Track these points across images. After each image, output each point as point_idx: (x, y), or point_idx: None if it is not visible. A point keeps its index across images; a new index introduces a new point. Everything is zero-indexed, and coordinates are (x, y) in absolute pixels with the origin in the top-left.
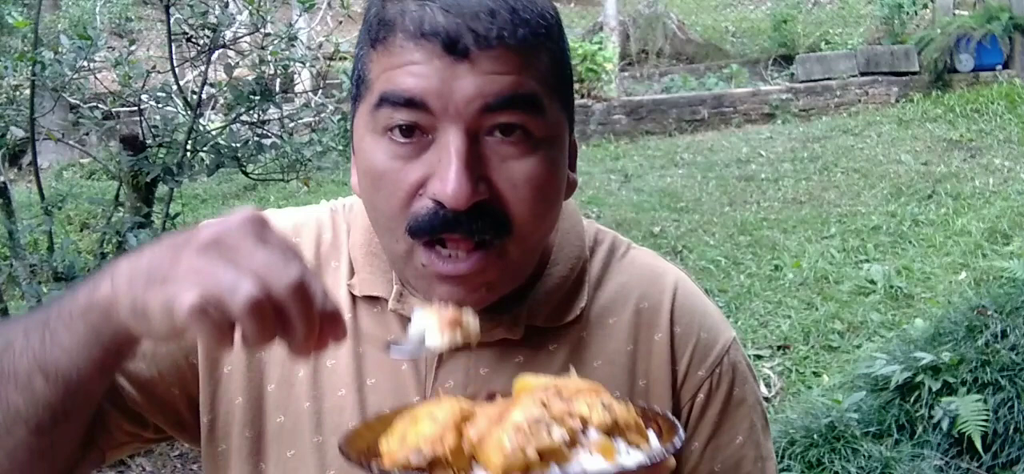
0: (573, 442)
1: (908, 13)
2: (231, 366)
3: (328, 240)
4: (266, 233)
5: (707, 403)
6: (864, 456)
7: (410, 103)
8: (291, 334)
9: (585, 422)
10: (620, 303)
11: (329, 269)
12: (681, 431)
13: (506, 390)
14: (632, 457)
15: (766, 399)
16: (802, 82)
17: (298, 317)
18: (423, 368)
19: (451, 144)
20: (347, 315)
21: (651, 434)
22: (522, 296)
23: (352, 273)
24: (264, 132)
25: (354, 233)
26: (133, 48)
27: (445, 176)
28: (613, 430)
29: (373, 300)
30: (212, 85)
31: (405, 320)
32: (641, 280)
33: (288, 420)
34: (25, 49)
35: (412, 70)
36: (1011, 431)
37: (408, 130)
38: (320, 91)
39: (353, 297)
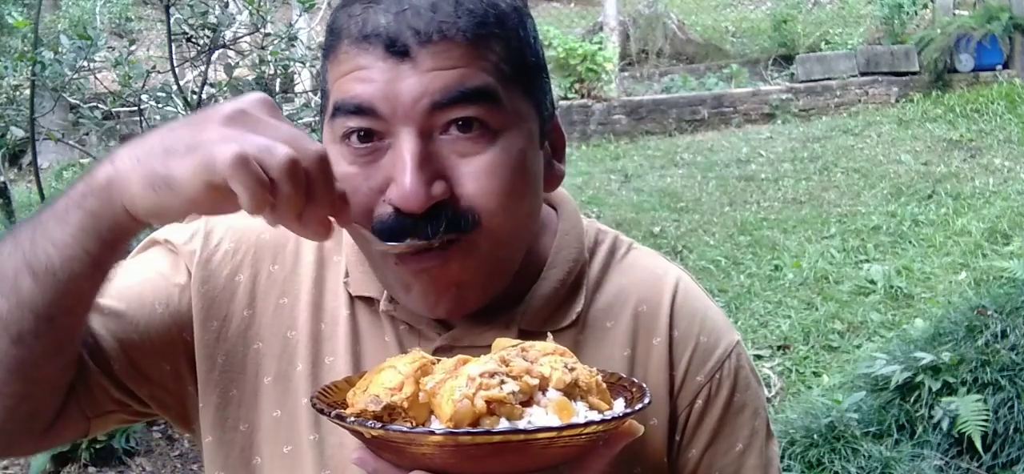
0: (530, 401)
1: (908, 13)
2: (225, 356)
3: (296, 239)
4: (279, 114)
5: (706, 409)
6: (864, 456)
7: (359, 110)
8: (317, 203)
9: (545, 382)
10: (618, 307)
11: (331, 264)
12: (647, 396)
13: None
14: (586, 417)
15: (767, 399)
16: (802, 82)
17: (323, 187)
18: None
19: (404, 147)
20: (345, 313)
21: (620, 402)
22: (517, 299)
23: (348, 273)
24: None
25: (347, 233)
26: (133, 48)
27: (400, 180)
28: (573, 392)
29: (367, 300)
30: (212, 85)
31: (396, 322)
32: (640, 283)
33: (284, 415)
34: (25, 49)
35: (358, 76)
36: (1011, 431)
37: (365, 136)
38: (320, 91)
39: (350, 296)
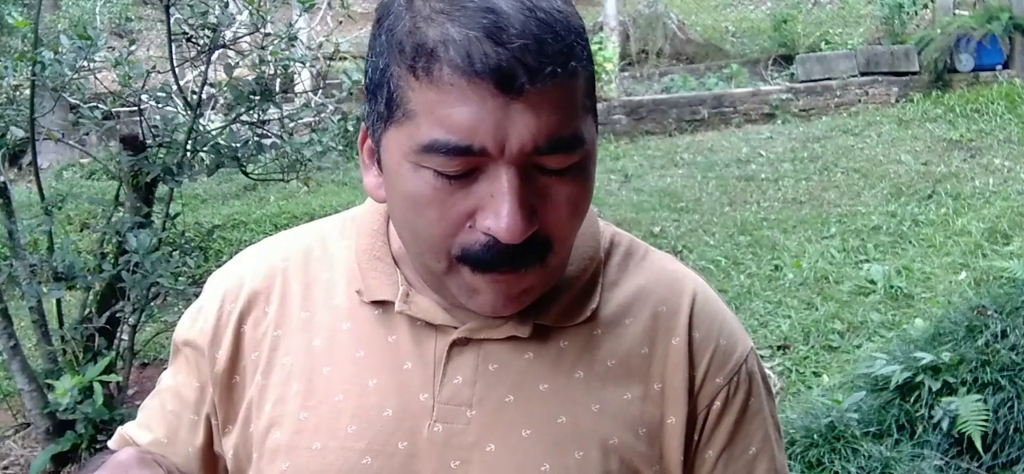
0: None
1: (908, 13)
2: (241, 407)
3: (317, 256)
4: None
5: (723, 411)
6: (864, 456)
7: (467, 150)
8: None
9: None
10: (638, 305)
11: (318, 282)
12: None
13: (514, 386)
14: None
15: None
16: (802, 82)
17: None
18: (431, 364)
19: (504, 180)
20: (345, 325)
21: None
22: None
23: (354, 280)
24: (264, 132)
25: (361, 239)
26: (133, 48)
27: (499, 212)
28: None
29: (379, 303)
30: (212, 85)
31: (413, 321)
32: (659, 284)
33: (284, 435)
34: (25, 49)
35: (465, 113)
36: (1011, 431)
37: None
38: (320, 91)
39: (345, 307)
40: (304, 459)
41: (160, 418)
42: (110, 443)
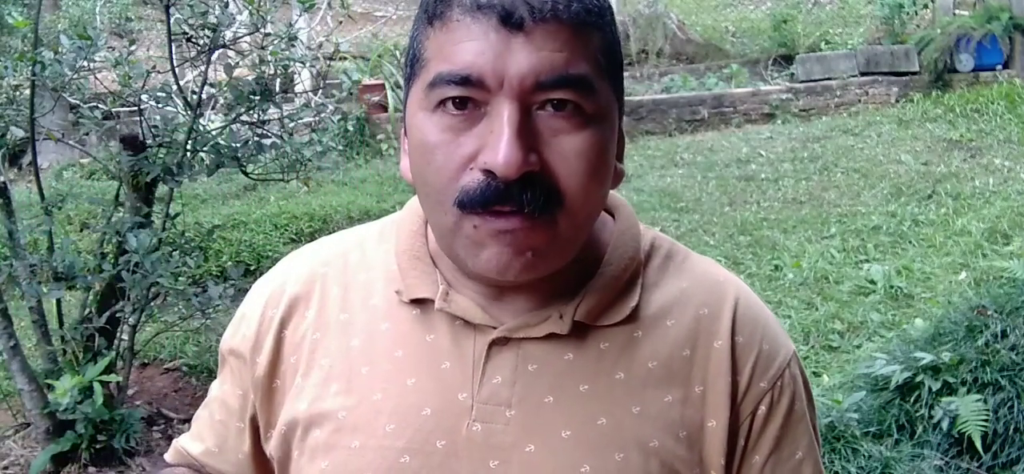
0: None
1: (908, 13)
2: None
3: (355, 260)
4: None
5: (769, 416)
6: (864, 456)
7: (466, 80)
8: None
9: None
10: (679, 307)
11: (356, 285)
12: None
13: (554, 386)
14: None
15: None
16: (802, 82)
17: None
18: (470, 363)
19: (504, 114)
20: (384, 325)
21: None
22: (572, 293)
23: (393, 281)
24: (264, 132)
25: (400, 240)
26: (133, 48)
27: (496, 146)
28: None
29: (418, 302)
30: (212, 85)
31: (452, 319)
32: (701, 287)
33: (323, 434)
34: (25, 49)
35: (468, 47)
36: (1011, 431)
37: (461, 103)
38: (320, 91)
39: (388, 305)
40: (343, 457)
41: (209, 428)
42: (166, 456)
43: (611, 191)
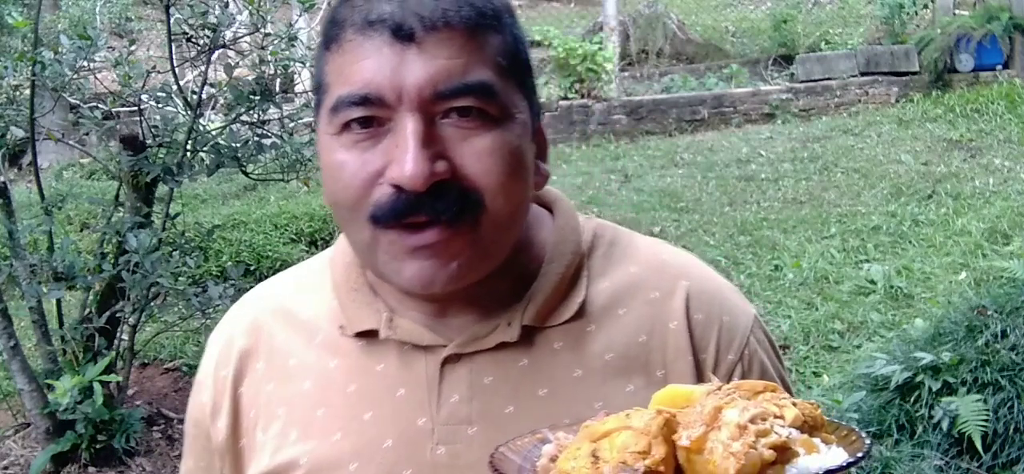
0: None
1: (908, 13)
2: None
3: (295, 303)
4: None
5: None
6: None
7: (365, 100)
8: None
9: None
10: (630, 295)
11: (300, 328)
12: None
13: (512, 396)
14: (839, 454)
15: None
16: (802, 82)
17: None
18: (424, 387)
19: (407, 128)
20: (332, 363)
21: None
22: (517, 297)
23: (335, 317)
24: (264, 132)
25: (336, 274)
26: (133, 48)
27: (401, 159)
28: (804, 427)
29: (363, 335)
30: (212, 85)
31: (400, 345)
32: (650, 270)
33: None
34: (25, 49)
35: (364, 66)
36: (1011, 431)
37: (365, 122)
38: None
39: (334, 341)
40: None
41: None
42: None
43: (548, 187)
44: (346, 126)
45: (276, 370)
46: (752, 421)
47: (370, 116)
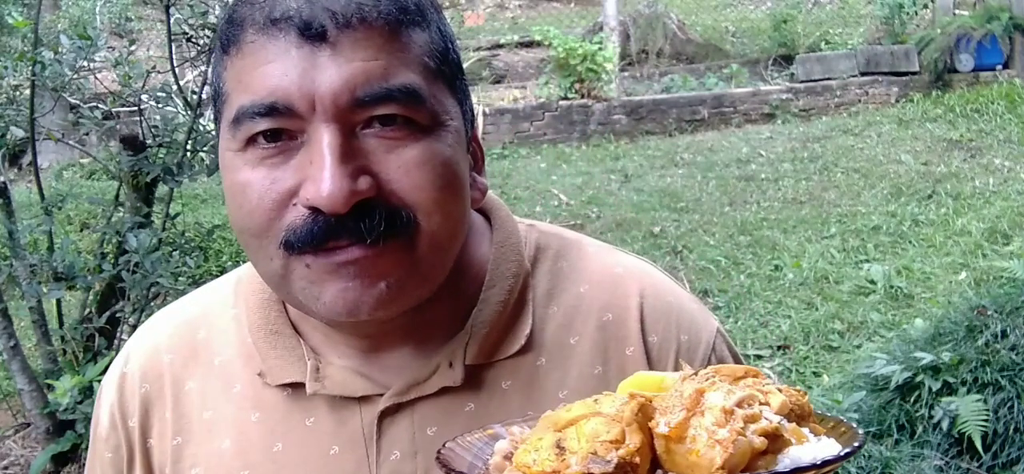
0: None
1: (908, 13)
2: None
3: (203, 338)
4: None
5: None
6: (864, 456)
7: (272, 110)
8: None
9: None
10: (581, 319)
11: (212, 372)
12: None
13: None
14: (832, 445)
15: None
16: (802, 82)
17: None
18: (361, 443)
19: (323, 141)
20: (254, 417)
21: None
22: (456, 330)
23: (252, 360)
24: None
25: (250, 311)
26: (133, 48)
27: (318, 177)
28: (791, 416)
29: (287, 387)
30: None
31: (331, 400)
32: (600, 288)
33: None
34: (25, 49)
35: (268, 70)
36: (1011, 431)
37: (273, 135)
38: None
39: (254, 390)
40: None
41: None
42: None
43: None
44: (251, 140)
45: (188, 423)
46: (739, 405)
47: (278, 128)
